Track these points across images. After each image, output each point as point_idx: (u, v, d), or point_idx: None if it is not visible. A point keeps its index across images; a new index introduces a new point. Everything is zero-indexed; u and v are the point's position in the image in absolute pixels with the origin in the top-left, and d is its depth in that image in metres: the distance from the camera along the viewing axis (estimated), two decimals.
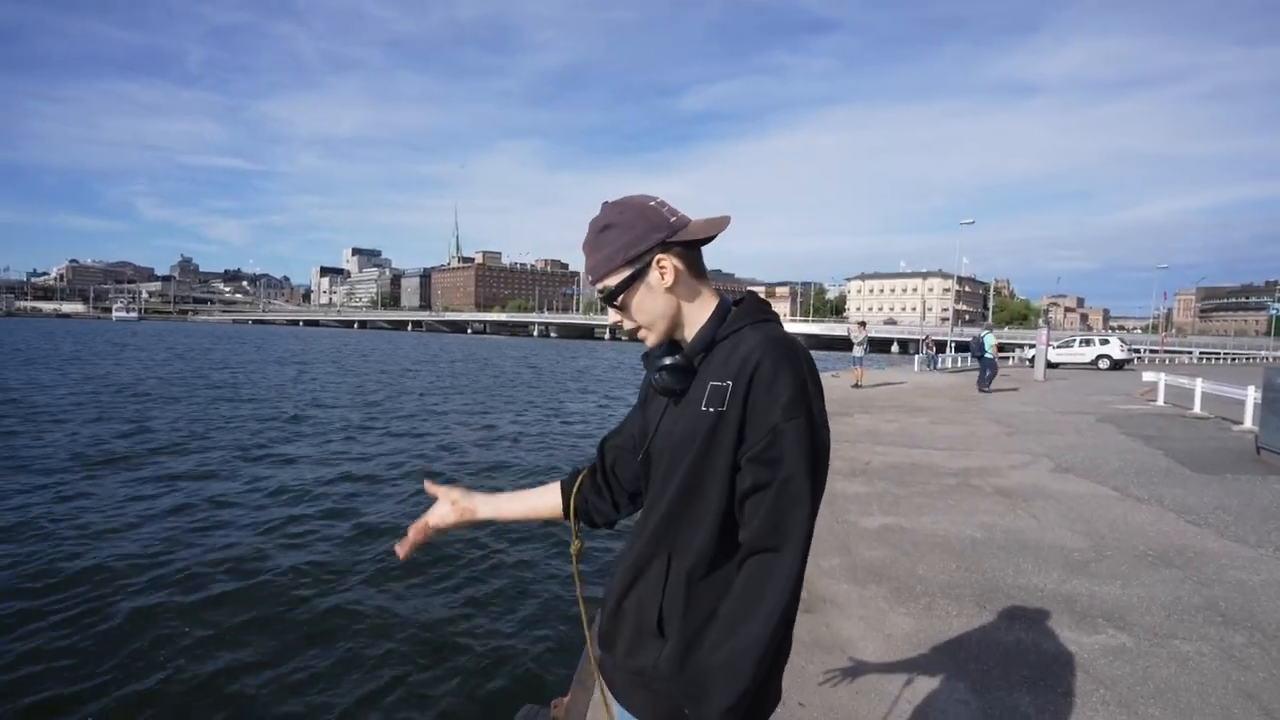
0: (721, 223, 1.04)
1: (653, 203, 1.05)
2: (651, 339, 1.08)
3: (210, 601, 4.53)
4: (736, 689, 0.91)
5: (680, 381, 1.03)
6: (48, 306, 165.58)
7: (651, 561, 1.04)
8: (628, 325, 1.09)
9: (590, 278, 1.07)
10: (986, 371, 15.52)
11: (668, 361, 1.04)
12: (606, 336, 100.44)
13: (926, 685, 2.57)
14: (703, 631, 0.99)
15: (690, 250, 1.06)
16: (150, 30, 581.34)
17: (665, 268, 1.04)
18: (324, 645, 4.05)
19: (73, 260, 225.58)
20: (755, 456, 0.95)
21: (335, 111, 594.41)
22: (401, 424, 12.89)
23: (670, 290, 1.05)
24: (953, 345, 30.99)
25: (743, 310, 1.07)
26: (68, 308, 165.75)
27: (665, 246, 1.03)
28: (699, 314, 1.07)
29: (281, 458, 9.30)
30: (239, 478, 7.96)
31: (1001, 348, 37.81)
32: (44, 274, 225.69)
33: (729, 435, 0.96)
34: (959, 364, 27.69)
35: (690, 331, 1.07)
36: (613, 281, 1.05)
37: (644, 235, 1.03)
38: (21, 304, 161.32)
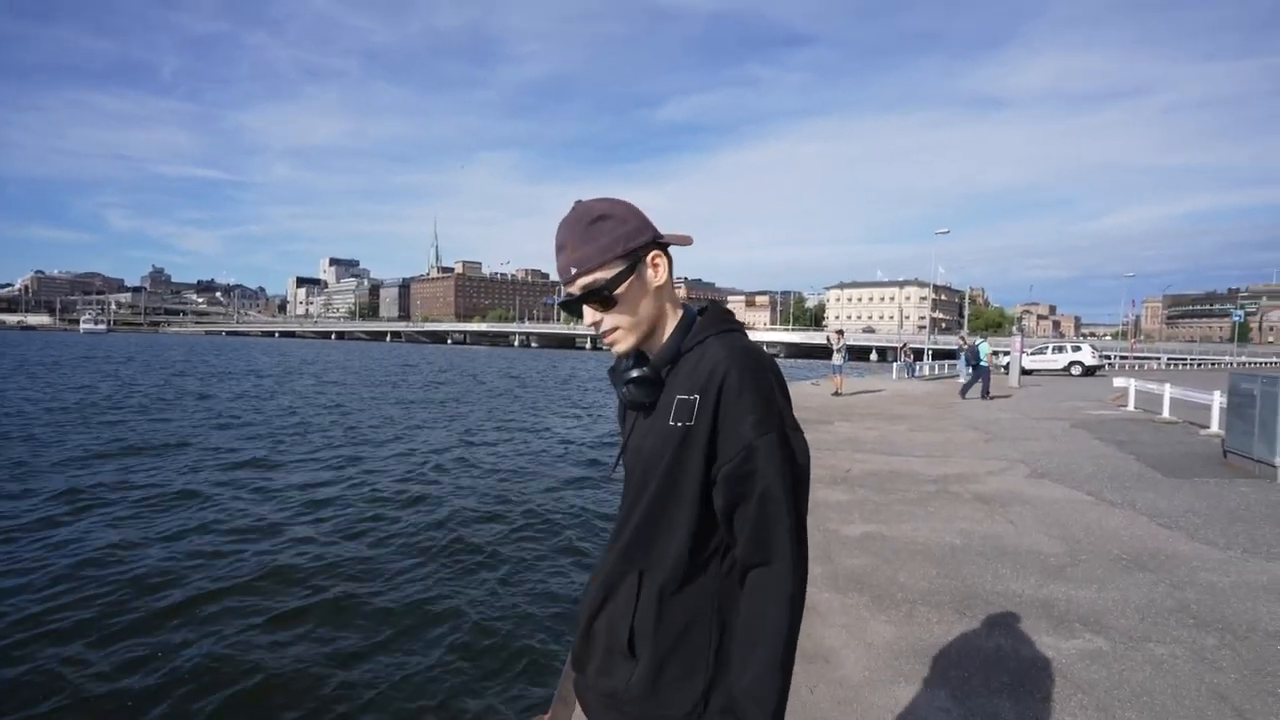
0: (687, 238, 1.05)
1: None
2: (628, 342, 1.04)
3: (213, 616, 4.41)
4: (768, 712, 0.91)
5: (648, 394, 1.02)
6: (11, 319, 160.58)
7: (623, 580, 1.02)
8: (608, 324, 1.02)
9: (574, 269, 0.99)
10: (978, 380, 15.64)
11: (635, 374, 1.02)
12: (588, 346, 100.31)
13: (908, 693, 2.57)
14: (674, 651, 0.97)
15: (668, 255, 1.05)
16: (122, 39, 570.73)
17: (659, 265, 1.02)
18: (303, 651, 3.95)
19: (38, 271, 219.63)
20: (730, 474, 0.93)
21: (312, 121, 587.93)
22: (395, 439, 12.72)
23: (660, 290, 1.03)
24: (930, 353, 31.42)
25: (707, 320, 1.05)
26: (33, 319, 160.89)
27: (656, 245, 1.02)
28: (670, 322, 1.05)
29: (273, 475, 9.10)
30: (229, 500, 7.77)
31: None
32: (7, 285, 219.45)
33: (698, 450, 0.95)
34: (936, 371, 28.10)
35: (659, 340, 1.05)
36: (607, 274, 0.99)
37: (640, 229, 1.01)
38: None
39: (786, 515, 0.92)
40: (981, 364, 15.82)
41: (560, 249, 1.01)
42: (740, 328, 1.06)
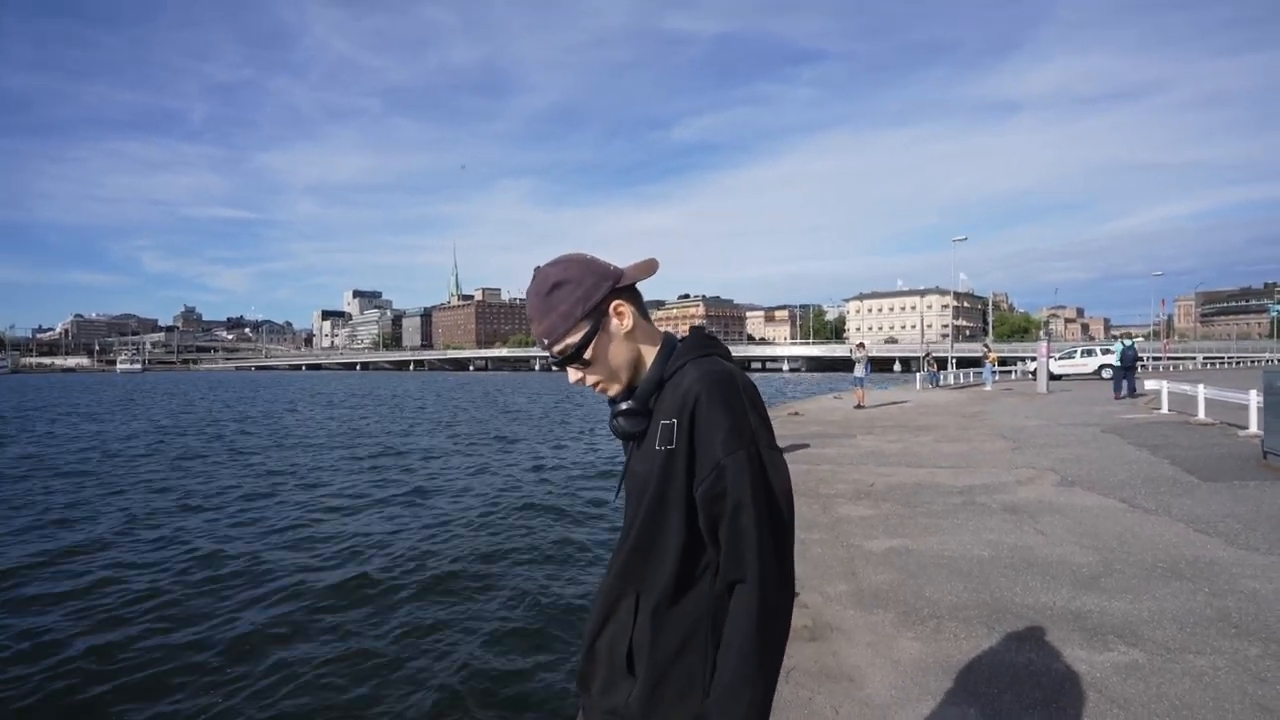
0: (653, 265, 1.09)
1: (589, 255, 1.08)
2: (615, 389, 1.09)
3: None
4: None
5: (636, 425, 1.06)
6: (55, 362, 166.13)
7: (621, 600, 1.05)
8: (591, 380, 1.08)
9: (546, 340, 1.05)
10: (1126, 378, 16.23)
11: (623, 407, 1.07)
12: None
13: (936, 712, 2.52)
14: (670, 668, 1.00)
15: (634, 294, 1.08)
16: (153, 90, 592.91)
17: (623, 313, 1.06)
18: (344, 667, 3.99)
19: (77, 315, 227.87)
20: (705, 493, 0.97)
21: (334, 159, 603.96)
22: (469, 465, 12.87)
23: (630, 335, 1.07)
24: (954, 361, 30.91)
25: (685, 347, 1.08)
26: (73, 361, 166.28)
27: (616, 293, 1.05)
28: (650, 355, 1.09)
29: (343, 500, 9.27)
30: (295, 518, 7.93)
31: (1003, 361, 37.81)
32: (49, 329, 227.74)
33: (680, 471, 0.99)
34: (961, 380, 27.64)
35: (643, 373, 1.09)
36: (575, 338, 1.04)
37: (597, 285, 1.04)
38: (27, 360, 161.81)
39: (758, 531, 0.94)
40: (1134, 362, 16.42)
41: (531, 321, 1.08)
42: (717, 351, 1.08)
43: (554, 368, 1.15)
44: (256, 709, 3.79)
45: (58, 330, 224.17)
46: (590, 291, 1.04)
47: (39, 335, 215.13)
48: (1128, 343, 17.28)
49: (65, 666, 4.28)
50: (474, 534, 7.49)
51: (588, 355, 1.05)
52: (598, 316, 1.04)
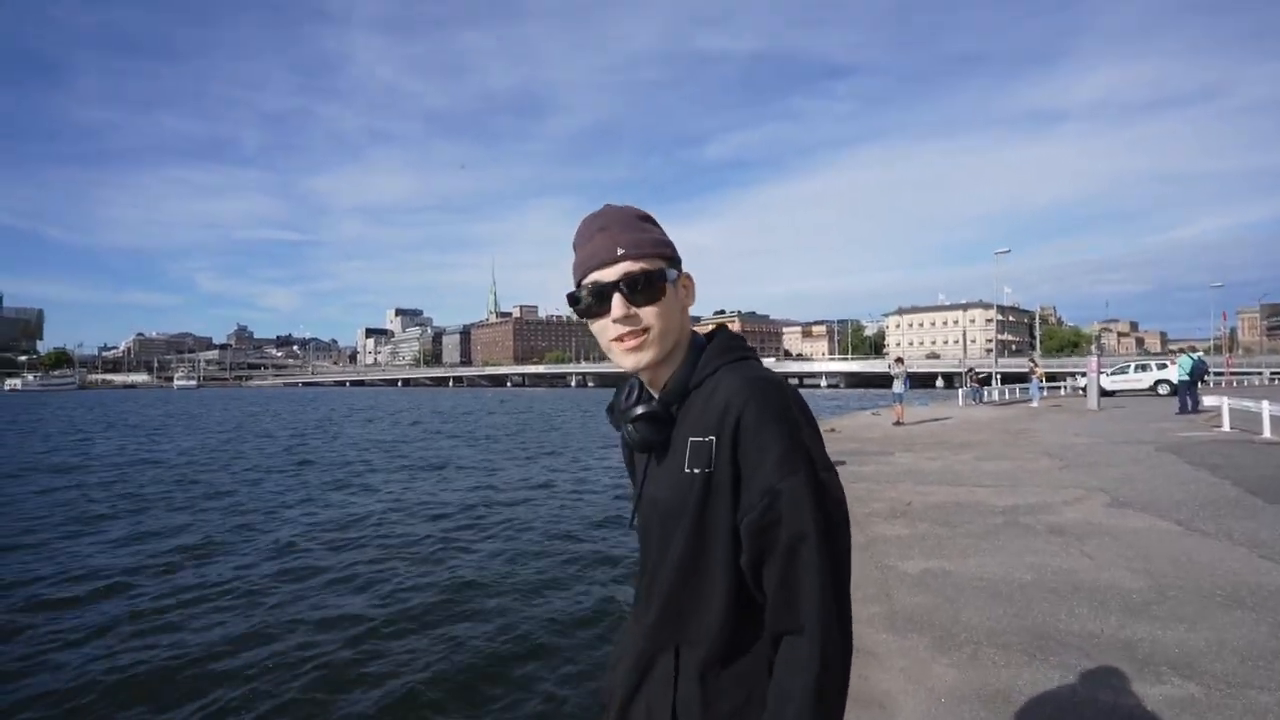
0: None
1: None
2: (651, 353, 0.90)
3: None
4: None
5: (658, 432, 0.92)
6: (118, 378, 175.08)
7: (658, 657, 0.90)
8: (644, 320, 0.88)
9: (622, 250, 0.88)
10: (1189, 393, 15.69)
11: (641, 411, 0.92)
12: None
13: None
14: None
15: None
16: (209, 119, 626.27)
17: (689, 286, 0.96)
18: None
19: (139, 334, 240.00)
20: (753, 523, 0.82)
21: (377, 181, 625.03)
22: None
23: (685, 311, 0.96)
24: (998, 377, 29.93)
25: (716, 349, 0.93)
26: (133, 378, 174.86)
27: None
28: (681, 351, 0.94)
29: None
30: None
31: (1051, 377, 36.53)
32: (113, 348, 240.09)
33: (723, 499, 0.84)
34: (1006, 396, 26.75)
35: (669, 370, 0.94)
36: (654, 267, 0.89)
37: (674, 246, 0.95)
38: (93, 377, 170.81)
39: (818, 570, 0.80)
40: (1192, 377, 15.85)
41: (601, 230, 0.90)
42: (752, 355, 0.95)
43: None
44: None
45: (121, 348, 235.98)
46: (672, 245, 0.94)
47: (104, 353, 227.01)
48: (1195, 355, 16.53)
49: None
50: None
51: (657, 289, 0.89)
52: (676, 268, 0.93)
